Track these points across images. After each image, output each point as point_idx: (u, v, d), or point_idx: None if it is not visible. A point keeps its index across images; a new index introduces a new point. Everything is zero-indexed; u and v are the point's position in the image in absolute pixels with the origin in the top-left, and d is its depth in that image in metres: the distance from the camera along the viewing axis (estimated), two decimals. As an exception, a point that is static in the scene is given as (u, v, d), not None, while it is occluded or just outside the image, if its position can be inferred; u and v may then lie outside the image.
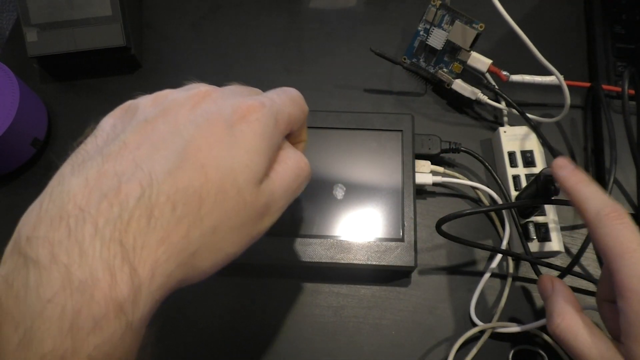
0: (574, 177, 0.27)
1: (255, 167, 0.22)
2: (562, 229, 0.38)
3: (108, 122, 0.22)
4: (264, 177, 0.22)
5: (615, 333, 0.26)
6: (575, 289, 0.36)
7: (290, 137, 0.26)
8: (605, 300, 0.27)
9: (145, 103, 0.23)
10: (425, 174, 0.38)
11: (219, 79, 0.44)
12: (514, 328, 0.34)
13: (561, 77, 0.36)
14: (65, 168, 0.20)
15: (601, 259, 0.37)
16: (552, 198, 0.33)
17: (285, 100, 0.25)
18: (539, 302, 0.36)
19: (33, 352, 0.16)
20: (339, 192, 0.36)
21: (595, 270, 0.37)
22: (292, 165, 0.24)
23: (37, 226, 0.18)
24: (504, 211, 0.37)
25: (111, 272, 0.17)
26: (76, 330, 0.17)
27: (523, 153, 0.38)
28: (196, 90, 0.23)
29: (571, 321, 0.26)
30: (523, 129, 0.39)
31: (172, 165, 0.19)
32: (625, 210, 0.25)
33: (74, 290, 0.17)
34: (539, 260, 0.35)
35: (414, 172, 0.37)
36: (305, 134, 0.27)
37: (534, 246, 0.35)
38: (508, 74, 0.39)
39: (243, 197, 0.21)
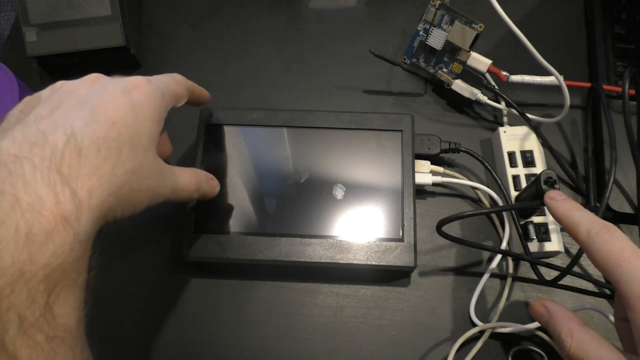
0: (563, 205, 0.29)
1: (153, 133, 0.26)
2: (562, 229, 0.38)
3: (15, 110, 0.25)
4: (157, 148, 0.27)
5: (632, 350, 0.25)
6: (575, 289, 0.35)
7: (192, 102, 0.34)
8: (621, 319, 0.27)
9: (44, 92, 0.26)
10: (425, 174, 0.38)
11: (218, 79, 0.44)
12: (514, 328, 0.34)
13: (560, 78, 0.36)
14: None
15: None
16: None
17: (169, 80, 0.30)
18: (538, 302, 0.36)
19: None
20: (339, 192, 0.36)
21: (595, 270, 0.37)
22: (190, 172, 0.31)
23: None
24: (504, 212, 0.37)
25: (54, 193, 0.20)
26: (30, 243, 0.19)
27: (523, 153, 0.38)
28: (87, 76, 0.27)
29: (579, 338, 0.26)
30: (523, 129, 0.39)
31: (88, 120, 0.23)
32: (614, 226, 0.26)
33: (24, 211, 0.20)
34: (538, 260, 0.35)
35: (413, 172, 0.37)
36: (202, 94, 0.34)
37: (533, 246, 0.35)
38: (508, 74, 0.39)
39: (147, 155, 0.26)
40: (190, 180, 0.30)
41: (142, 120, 0.26)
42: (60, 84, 0.27)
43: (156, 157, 0.27)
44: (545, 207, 0.36)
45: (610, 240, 0.25)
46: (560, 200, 0.29)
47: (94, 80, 0.27)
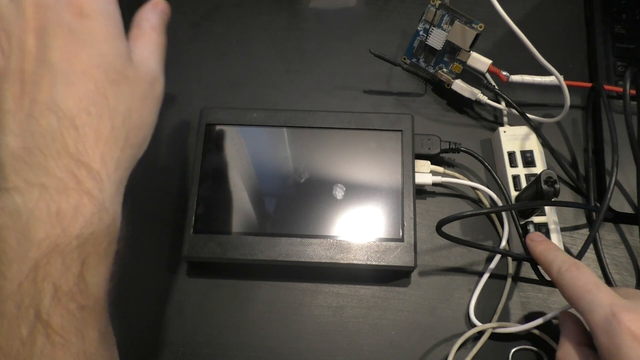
0: (540, 246, 0.32)
1: (120, 50, 0.25)
2: (562, 229, 0.38)
3: None
4: (131, 53, 0.26)
5: None
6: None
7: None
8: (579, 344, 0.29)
9: None
10: (425, 174, 0.38)
11: (218, 79, 0.44)
12: (514, 328, 0.34)
13: (561, 77, 0.36)
14: None
15: (603, 262, 0.37)
16: (552, 199, 0.33)
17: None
18: (538, 302, 0.36)
19: (30, 242, 0.21)
20: (339, 192, 0.36)
21: (595, 270, 0.37)
22: (151, 37, 0.28)
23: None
24: (503, 212, 0.37)
25: (73, 175, 0.22)
26: (61, 218, 0.21)
27: (523, 153, 0.38)
28: (26, 5, 0.23)
29: (567, 355, 0.28)
30: (523, 129, 0.39)
31: (62, 86, 0.23)
32: (582, 263, 0.29)
33: (52, 194, 0.21)
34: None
35: (413, 172, 0.37)
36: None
37: (533, 246, 0.35)
38: (508, 74, 0.39)
39: (127, 76, 0.25)
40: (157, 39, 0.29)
41: (103, 46, 0.24)
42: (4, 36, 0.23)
43: (132, 66, 0.25)
44: (545, 207, 0.36)
45: (577, 275, 0.28)
46: (538, 241, 0.33)
47: (36, 14, 0.23)
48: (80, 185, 0.22)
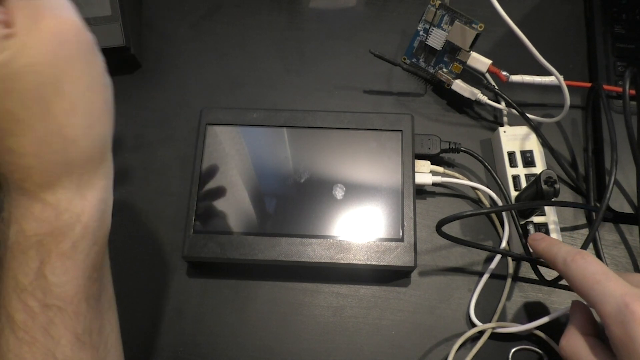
0: (543, 243, 0.32)
1: None
2: (562, 229, 0.38)
3: None
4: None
5: None
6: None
7: None
8: (586, 334, 0.29)
9: None
10: (425, 174, 0.38)
11: (218, 79, 0.44)
12: (514, 328, 0.34)
13: (561, 78, 0.36)
14: None
15: (603, 262, 0.37)
16: (552, 199, 0.33)
17: None
18: (538, 302, 0.36)
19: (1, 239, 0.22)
20: (339, 192, 0.36)
21: (595, 270, 0.37)
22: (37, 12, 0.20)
23: None
24: (503, 212, 0.37)
25: (22, 192, 0.21)
26: (16, 219, 0.22)
27: (523, 153, 0.38)
28: None
29: (572, 344, 0.28)
30: (523, 129, 0.39)
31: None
32: (587, 252, 0.28)
33: (10, 202, 0.22)
34: (538, 260, 0.35)
35: (413, 172, 0.37)
36: None
37: (533, 246, 0.35)
38: (508, 74, 0.39)
39: (16, 67, 0.18)
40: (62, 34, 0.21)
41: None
42: None
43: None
44: (545, 207, 0.36)
45: (584, 265, 0.27)
46: (539, 239, 0.32)
47: None
48: (30, 198, 0.22)
